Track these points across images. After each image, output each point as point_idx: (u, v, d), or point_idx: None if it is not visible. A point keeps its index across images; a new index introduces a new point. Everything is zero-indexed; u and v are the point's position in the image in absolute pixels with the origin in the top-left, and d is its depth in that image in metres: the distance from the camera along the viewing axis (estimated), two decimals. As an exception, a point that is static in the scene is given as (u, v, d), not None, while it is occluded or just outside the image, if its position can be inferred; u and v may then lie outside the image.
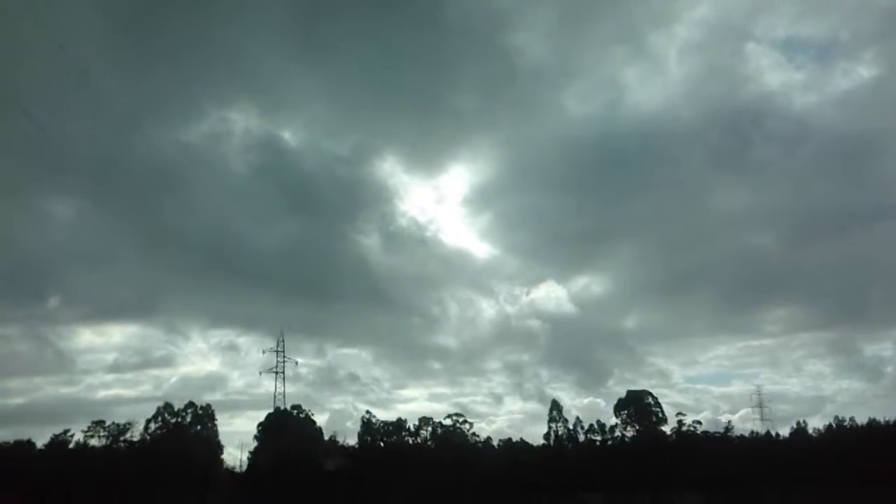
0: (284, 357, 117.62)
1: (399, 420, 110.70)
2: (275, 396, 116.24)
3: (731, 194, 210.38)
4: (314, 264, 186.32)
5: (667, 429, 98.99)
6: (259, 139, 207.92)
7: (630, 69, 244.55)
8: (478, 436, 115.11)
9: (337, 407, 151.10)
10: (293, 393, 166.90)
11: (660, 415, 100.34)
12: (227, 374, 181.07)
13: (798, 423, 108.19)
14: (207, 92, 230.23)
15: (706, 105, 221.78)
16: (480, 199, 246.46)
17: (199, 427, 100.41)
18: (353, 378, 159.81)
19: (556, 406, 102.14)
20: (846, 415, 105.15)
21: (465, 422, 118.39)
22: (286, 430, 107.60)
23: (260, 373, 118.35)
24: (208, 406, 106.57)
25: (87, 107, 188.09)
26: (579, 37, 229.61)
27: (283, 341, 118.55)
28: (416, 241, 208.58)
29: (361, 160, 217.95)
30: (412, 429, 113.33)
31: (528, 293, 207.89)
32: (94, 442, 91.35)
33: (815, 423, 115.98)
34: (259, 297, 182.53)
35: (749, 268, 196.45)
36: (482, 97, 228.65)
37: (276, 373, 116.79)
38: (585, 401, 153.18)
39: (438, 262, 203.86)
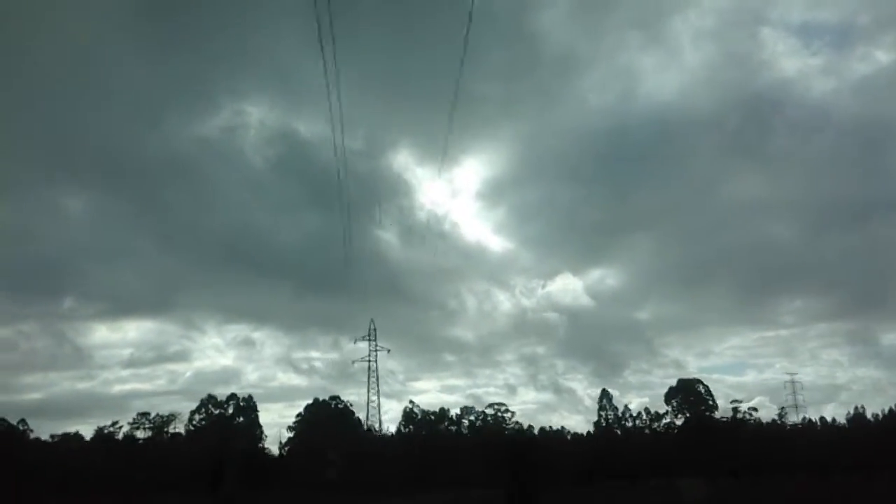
0: (377, 346, 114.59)
1: (442, 409, 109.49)
2: (368, 388, 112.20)
3: (747, 183, 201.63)
4: (328, 258, 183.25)
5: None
6: (274, 132, 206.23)
7: (644, 57, 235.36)
8: (521, 423, 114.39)
9: (351, 399, 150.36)
10: (308, 386, 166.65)
11: (710, 402, 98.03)
12: (242, 368, 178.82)
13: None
14: (222, 84, 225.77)
15: (722, 93, 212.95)
16: (494, 193, 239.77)
17: (241, 418, 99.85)
18: (362, 371, 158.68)
19: (605, 395, 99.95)
20: (861, 403, 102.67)
21: (507, 411, 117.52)
22: (325, 420, 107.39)
23: (353, 362, 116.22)
24: (250, 397, 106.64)
25: (101, 101, 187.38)
26: (592, 25, 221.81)
27: (375, 330, 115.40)
28: (430, 235, 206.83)
29: (375, 153, 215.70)
30: (454, 418, 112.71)
31: (543, 286, 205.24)
32: (139, 434, 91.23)
33: (829, 412, 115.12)
34: (273, 291, 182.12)
35: (765, 258, 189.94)
36: (496, 87, 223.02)
37: (369, 363, 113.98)
38: (598, 391, 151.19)
39: (452, 256, 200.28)
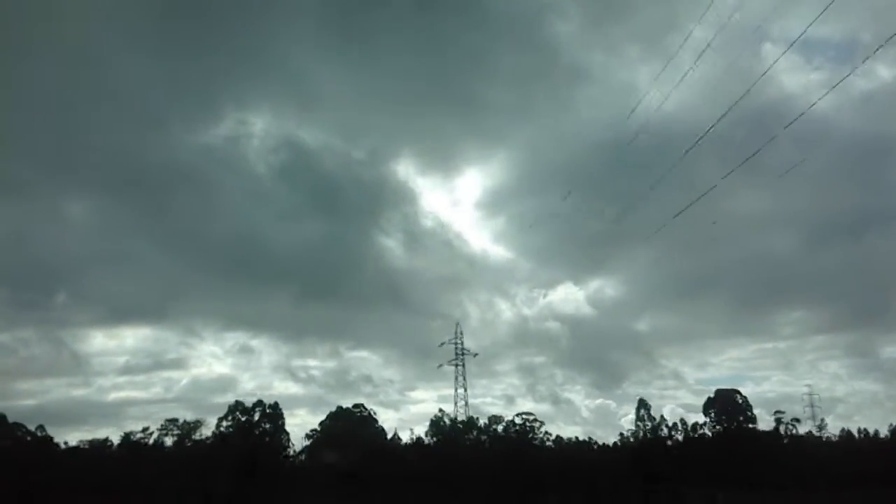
0: (463, 350, 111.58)
1: (470, 418, 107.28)
2: (455, 392, 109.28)
3: (747, 196, 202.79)
4: (326, 267, 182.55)
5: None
6: (276, 140, 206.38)
7: (645, 69, 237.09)
8: (550, 434, 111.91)
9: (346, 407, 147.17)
10: (303, 395, 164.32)
11: (749, 413, 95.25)
12: (239, 377, 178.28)
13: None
14: (225, 93, 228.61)
15: (722, 106, 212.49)
16: (494, 203, 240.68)
17: (268, 425, 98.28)
18: (363, 380, 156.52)
19: (643, 405, 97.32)
20: (858, 416, 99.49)
21: (536, 420, 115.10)
22: (348, 428, 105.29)
23: (439, 366, 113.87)
24: (276, 404, 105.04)
25: (102, 106, 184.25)
26: (594, 37, 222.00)
27: (462, 333, 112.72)
28: (429, 245, 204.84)
29: (377, 162, 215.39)
30: (482, 427, 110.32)
31: (545, 296, 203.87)
32: (168, 440, 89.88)
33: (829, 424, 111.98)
34: (271, 299, 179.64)
35: (765, 270, 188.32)
36: (499, 97, 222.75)
37: (456, 365, 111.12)
38: (596, 402, 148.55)
39: (450, 265, 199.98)
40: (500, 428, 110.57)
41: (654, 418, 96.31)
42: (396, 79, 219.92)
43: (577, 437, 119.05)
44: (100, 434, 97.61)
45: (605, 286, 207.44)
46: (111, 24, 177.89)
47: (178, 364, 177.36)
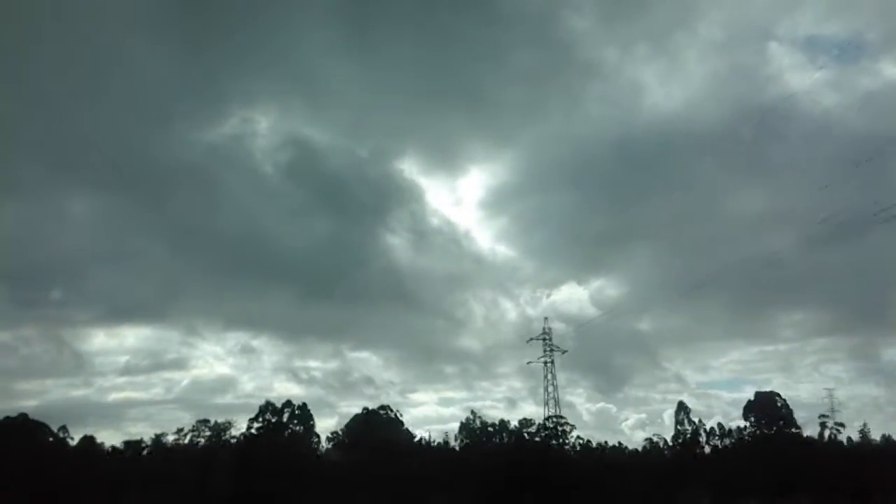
0: (552, 346, 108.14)
1: (502, 421, 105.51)
2: (545, 390, 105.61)
3: (750, 196, 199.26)
4: (327, 265, 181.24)
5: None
6: (280, 139, 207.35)
7: (649, 68, 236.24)
8: (582, 438, 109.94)
9: (346, 410, 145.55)
10: (304, 396, 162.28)
11: (791, 418, 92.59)
12: (239, 377, 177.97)
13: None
14: (229, 91, 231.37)
15: (727, 106, 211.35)
16: (498, 201, 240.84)
17: (300, 427, 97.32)
18: (363, 381, 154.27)
19: (683, 407, 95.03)
20: (859, 420, 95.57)
21: (566, 423, 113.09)
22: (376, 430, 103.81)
23: (528, 363, 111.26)
24: (304, 405, 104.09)
25: (105, 104, 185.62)
26: (597, 37, 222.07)
27: (550, 329, 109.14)
28: (432, 244, 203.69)
29: (381, 161, 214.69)
30: (514, 430, 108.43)
31: (548, 295, 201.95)
32: (201, 441, 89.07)
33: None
34: (274, 298, 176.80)
35: (767, 271, 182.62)
36: (504, 98, 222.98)
37: (546, 362, 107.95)
38: (596, 406, 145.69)
39: (453, 265, 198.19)
40: (531, 431, 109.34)
41: (694, 422, 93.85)
42: (401, 76, 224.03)
43: (606, 442, 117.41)
44: (99, 436, 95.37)
45: (605, 287, 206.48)
46: (116, 21, 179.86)
47: (179, 364, 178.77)
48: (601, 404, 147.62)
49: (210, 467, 76.14)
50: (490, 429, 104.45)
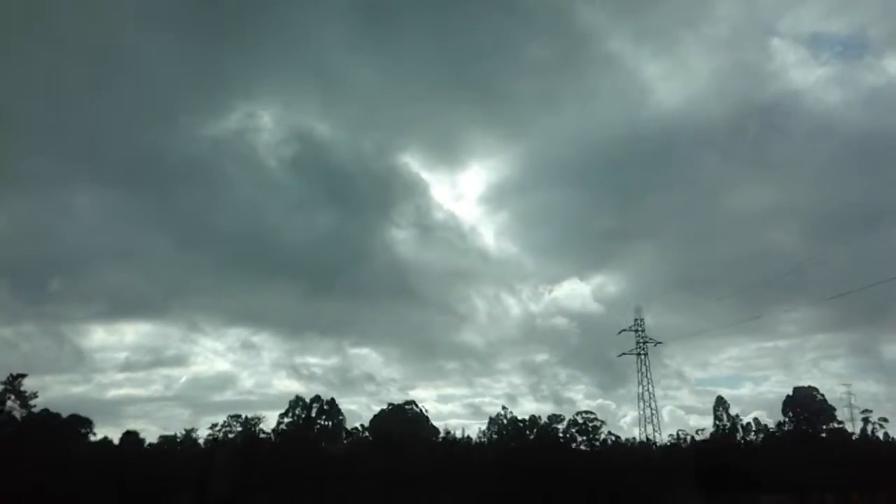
0: (646, 337, 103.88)
1: (533, 417, 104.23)
2: (639, 384, 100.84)
3: (753, 193, 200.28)
4: (329, 261, 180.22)
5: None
6: (282, 134, 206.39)
7: (652, 65, 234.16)
8: (615, 434, 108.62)
9: (346, 407, 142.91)
10: (302, 392, 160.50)
11: (832, 413, 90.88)
12: (239, 374, 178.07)
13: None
14: (232, 85, 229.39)
15: (729, 102, 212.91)
16: (498, 197, 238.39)
17: (329, 423, 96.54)
18: (362, 378, 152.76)
19: (721, 402, 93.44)
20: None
21: (596, 419, 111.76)
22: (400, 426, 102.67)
23: (620, 355, 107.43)
24: (332, 400, 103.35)
25: (107, 101, 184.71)
26: (601, 34, 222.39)
27: (643, 320, 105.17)
28: (432, 240, 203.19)
29: (382, 156, 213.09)
30: (543, 426, 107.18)
31: (550, 291, 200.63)
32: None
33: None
34: (274, 294, 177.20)
35: (769, 267, 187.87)
36: (500, 94, 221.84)
37: (638, 354, 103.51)
38: (595, 402, 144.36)
39: (453, 261, 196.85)
40: (560, 427, 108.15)
41: (732, 417, 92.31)
42: (405, 69, 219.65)
43: (635, 438, 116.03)
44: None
45: (606, 283, 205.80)
46: (117, 14, 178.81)
47: (179, 361, 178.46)
48: (599, 401, 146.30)
49: (253, 461, 75.21)
50: (520, 424, 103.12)
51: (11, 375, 74.88)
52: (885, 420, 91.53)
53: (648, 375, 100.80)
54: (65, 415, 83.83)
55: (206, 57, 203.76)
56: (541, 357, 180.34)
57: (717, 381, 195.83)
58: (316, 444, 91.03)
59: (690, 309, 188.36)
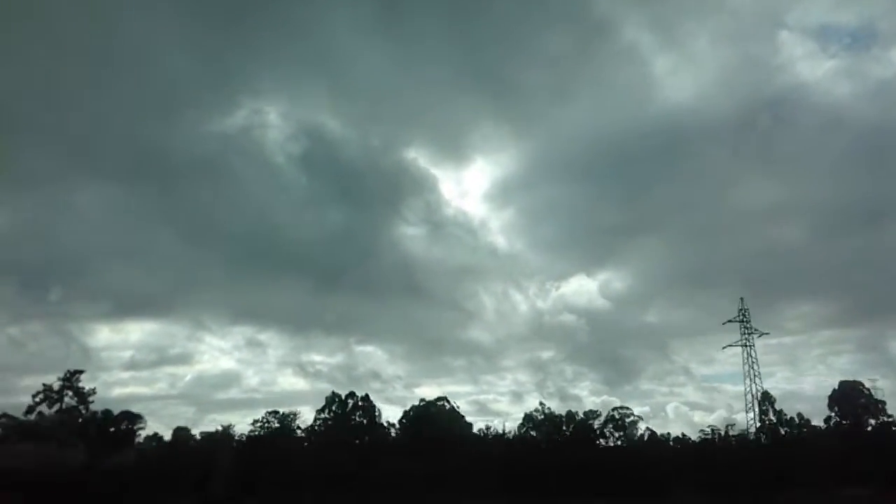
0: (751, 329, 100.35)
1: (569, 412, 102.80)
2: (746, 376, 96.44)
3: (760, 187, 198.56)
4: (333, 258, 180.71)
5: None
6: (288, 130, 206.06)
7: (659, 58, 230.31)
8: (652, 429, 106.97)
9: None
10: (307, 389, 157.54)
11: (880, 406, 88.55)
12: (244, 372, 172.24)
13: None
14: (238, 82, 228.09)
15: (736, 96, 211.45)
16: (504, 193, 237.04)
17: (365, 419, 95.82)
18: (367, 375, 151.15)
19: (767, 397, 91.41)
20: None
21: (632, 414, 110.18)
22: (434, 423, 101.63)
23: (723, 347, 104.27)
24: (366, 396, 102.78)
25: (103, 96, 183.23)
26: (606, 28, 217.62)
27: (748, 311, 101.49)
28: (438, 236, 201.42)
29: (388, 151, 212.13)
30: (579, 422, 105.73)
31: (557, 288, 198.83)
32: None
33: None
34: (278, 292, 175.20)
35: (775, 263, 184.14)
36: (507, 87, 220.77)
37: (744, 345, 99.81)
38: (600, 399, 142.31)
39: (459, 257, 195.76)
40: (596, 423, 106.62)
41: (778, 412, 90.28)
42: (412, 63, 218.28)
43: (669, 434, 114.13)
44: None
45: (612, 279, 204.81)
46: (123, 11, 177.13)
47: (184, 359, 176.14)
48: (605, 397, 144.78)
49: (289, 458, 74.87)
50: (558, 419, 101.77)
51: (69, 372, 75.29)
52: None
53: (756, 368, 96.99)
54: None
55: (212, 52, 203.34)
56: (547, 354, 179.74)
57: (722, 377, 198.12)
58: (350, 441, 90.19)
59: (690, 305, 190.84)
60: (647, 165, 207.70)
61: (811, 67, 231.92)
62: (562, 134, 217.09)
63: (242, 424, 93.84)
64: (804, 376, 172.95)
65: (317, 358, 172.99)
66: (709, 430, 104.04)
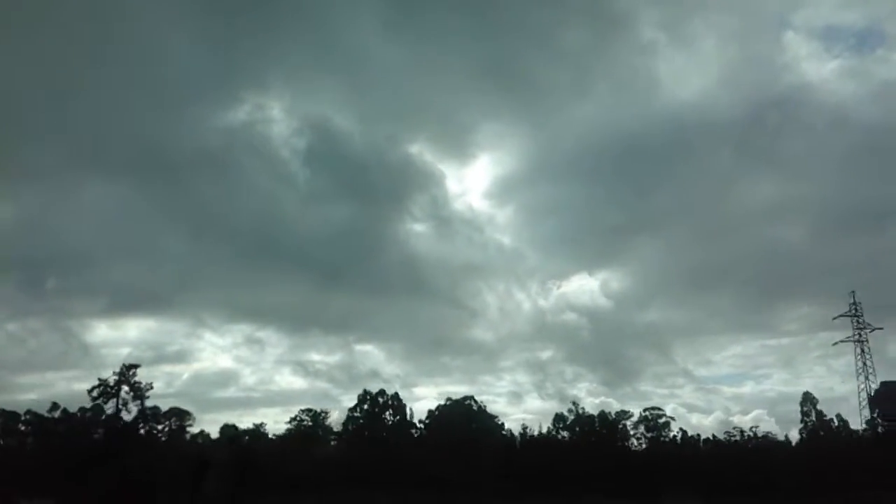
0: (864, 323, 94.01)
1: (602, 413, 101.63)
2: (859, 374, 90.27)
3: (763, 187, 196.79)
4: (332, 257, 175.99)
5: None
6: (291, 127, 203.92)
7: (664, 57, 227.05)
8: (687, 430, 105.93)
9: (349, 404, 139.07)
10: (305, 388, 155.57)
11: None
12: (242, 370, 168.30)
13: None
14: (242, 76, 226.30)
15: (741, 96, 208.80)
16: (502, 192, 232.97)
17: (397, 417, 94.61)
18: (364, 375, 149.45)
19: (809, 398, 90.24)
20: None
21: (663, 415, 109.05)
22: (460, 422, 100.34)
23: (833, 344, 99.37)
24: (397, 394, 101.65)
25: (110, 95, 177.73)
26: (609, 25, 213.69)
27: (860, 305, 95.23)
28: (437, 236, 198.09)
29: (391, 147, 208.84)
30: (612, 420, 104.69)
31: (559, 287, 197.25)
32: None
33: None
34: (277, 290, 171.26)
35: (775, 264, 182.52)
36: (508, 86, 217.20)
37: (857, 341, 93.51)
38: (598, 400, 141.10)
39: (458, 256, 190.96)
40: (629, 423, 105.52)
41: (823, 414, 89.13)
42: (416, 61, 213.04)
43: (699, 434, 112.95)
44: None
45: (610, 279, 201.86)
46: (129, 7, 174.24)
47: (182, 357, 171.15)
48: (602, 398, 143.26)
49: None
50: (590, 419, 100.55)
51: (125, 366, 74.07)
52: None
53: (871, 366, 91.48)
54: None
55: (216, 46, 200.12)
56: (546, 354, 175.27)
57: (719, 379, 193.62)
58: (385, 440, 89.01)
59: (688, 307, 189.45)
60: (651, 164, 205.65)
61: (816, 67, 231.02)
62: (565, 132, 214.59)
63: (275, 423, 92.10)
64: (802, 378, 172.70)
65: (315, 357, 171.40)
66: (739, 430, 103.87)
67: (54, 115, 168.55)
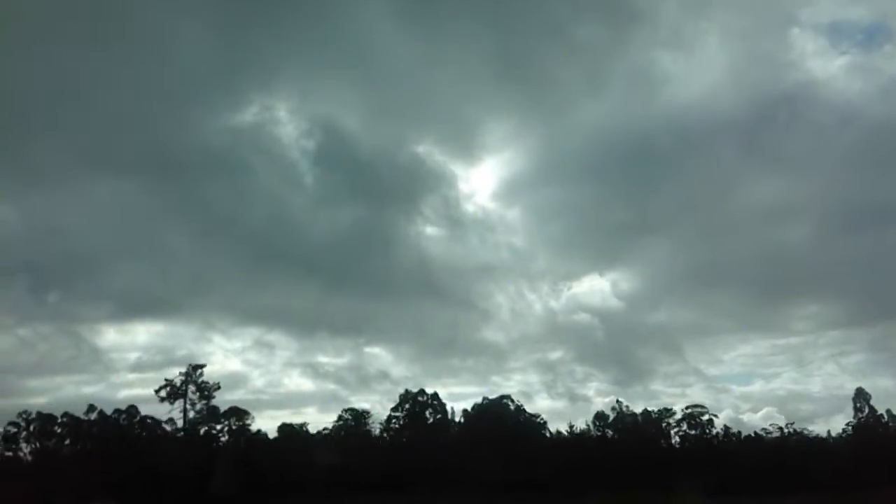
0: None
1: (646, 410, 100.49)
2: None
3: (772, 185, 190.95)
4: (340, 259, 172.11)
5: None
6: (298, 129, 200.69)
7: (667, 55, 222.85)
8: (730, 427, 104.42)
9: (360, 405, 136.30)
10: (313, 390, 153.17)
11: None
12: (251, 373, 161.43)
13: None
14: (249, 77, 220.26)
15: (747, 93, 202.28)
16: (511, 192, 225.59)
17: (437, 416, 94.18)
18: (374, 376, 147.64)
19: (861, 394, 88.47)
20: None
21: (704, 413, 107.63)
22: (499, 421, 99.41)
23: None
24: (436, 394, 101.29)
25: (105, 92, 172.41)
26: (614, 23, 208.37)
27: None
28: (448, 237, 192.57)
29: (397, 148, 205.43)
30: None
31: (569, 288, 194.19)
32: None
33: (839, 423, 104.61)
34: (288, 292, 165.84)
35: (784, 262, 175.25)
36: (514, 87, 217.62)
37: None
38: (606, 399, 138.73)
39: (466, 258, 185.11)
40: (671, 421, 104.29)
41: (875, 410, 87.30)
42: (426, 56, 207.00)
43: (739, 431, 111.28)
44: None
45: (619, 280, 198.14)
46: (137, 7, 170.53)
47: (192, 360, 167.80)
48: (611, 397, 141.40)
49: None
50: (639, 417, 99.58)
51: (191, 366, 74.32)
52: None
53: None
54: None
55: (224, 46, 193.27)
56: (556, 354, 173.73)
57: (728, 378, 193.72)
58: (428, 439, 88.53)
59: (697, 306, 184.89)
60: (659, 163, 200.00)
61: (823, 64, 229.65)
62: (572, 132, 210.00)
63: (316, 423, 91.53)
64: (811, 376, 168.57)
65: (324, 359, 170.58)
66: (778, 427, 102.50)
67: (62, 117, 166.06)
